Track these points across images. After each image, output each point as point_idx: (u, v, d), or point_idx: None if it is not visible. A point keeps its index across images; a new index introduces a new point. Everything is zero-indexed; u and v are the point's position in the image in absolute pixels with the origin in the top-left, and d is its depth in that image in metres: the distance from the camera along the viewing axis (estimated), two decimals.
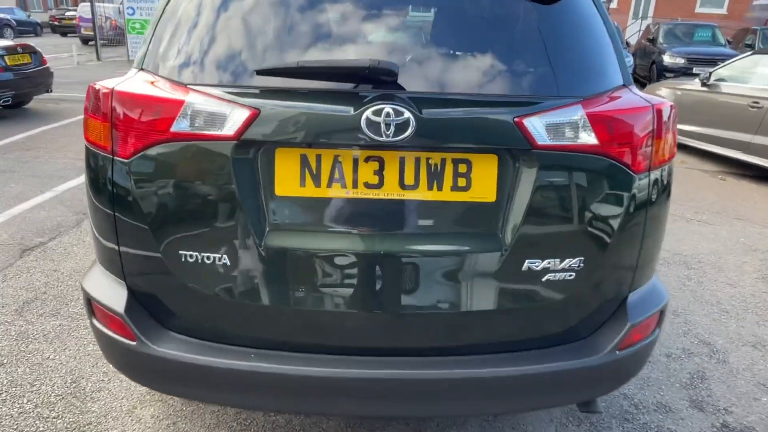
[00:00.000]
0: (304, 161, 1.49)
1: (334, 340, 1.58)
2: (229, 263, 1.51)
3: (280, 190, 1.51)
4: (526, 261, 1.53)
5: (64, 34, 26.08)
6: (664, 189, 1.63)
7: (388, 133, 1.40)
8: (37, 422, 2.17)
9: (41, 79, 8.77)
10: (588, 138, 1.48)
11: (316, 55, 1.52)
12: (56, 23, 27.53)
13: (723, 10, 21.07)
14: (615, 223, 1.55)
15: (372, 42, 1.56)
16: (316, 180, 1.50)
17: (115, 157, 1.53)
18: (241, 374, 1.51)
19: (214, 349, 1.56)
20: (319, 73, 1.47)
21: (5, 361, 2.56)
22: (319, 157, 1.48)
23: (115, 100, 1.52)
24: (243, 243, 1.50)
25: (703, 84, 7.16)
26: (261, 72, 1.46)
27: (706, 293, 3.52)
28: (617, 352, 1.60)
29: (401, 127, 1.40)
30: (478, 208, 1.52)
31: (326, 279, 1.53)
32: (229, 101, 1.45)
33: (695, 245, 4.31)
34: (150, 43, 1.63)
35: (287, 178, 1.50)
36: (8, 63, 8.09)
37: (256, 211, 1.50)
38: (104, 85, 1.57)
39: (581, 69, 1.59)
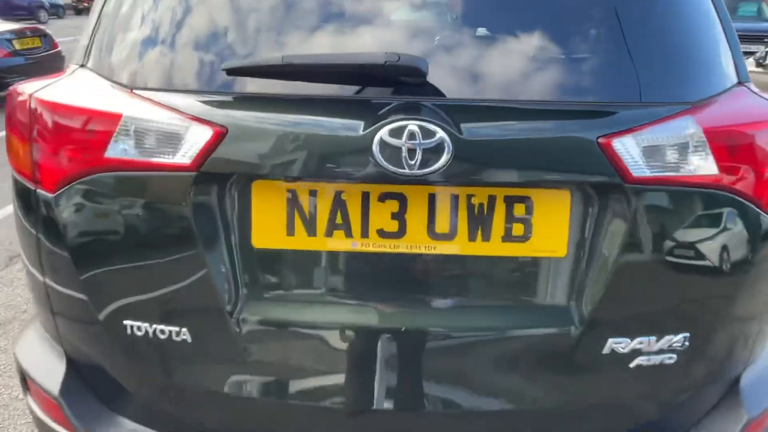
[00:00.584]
0: (292, 200, 1.05)
1: None
2: (190, 341, 1.10)
3: (258, 241, 1.08)
4: (609, 341, 1.08)
5: (40, 20, 25.59)
6: None
7: (413, 162, 0.96)
8: None
9: (52, 64, 8.41)
10: (704, 164, 1.03)
11: (309, 48, 1.08)
12: (79, 5, 27.36)
13: None
14: (736, 283, 1.10)
15: (388, 26, 1.12)
16: (310, 226, 1.06)
17: (37, 190, 1.13)
18: None
19: None
20: (313, 74, 1.03)
21: None
22: (313, 194, 1.05)
23: (33, 111, 1.11)
24: (209, 314, 1.09)
25: (759, 64, 6.51)
26: (232, 71, 1.03)
27: None
28: None
29: (432, 153, 0.96)
30: (542, 266, 1.08)
31: (323, 367, 1.11)
32: (185, 114, 1.02)
33: None
34: (93, 31, 1.21)
35: (269, 224, 1.07)
36: (17, 47, 7.80)
37: (226, 269, 1.08)
38: (25, 89, 1.16)
39: (686, 62, 1.12)
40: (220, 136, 1.00)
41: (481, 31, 1.11)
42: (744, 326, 1.17)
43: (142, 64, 1.12)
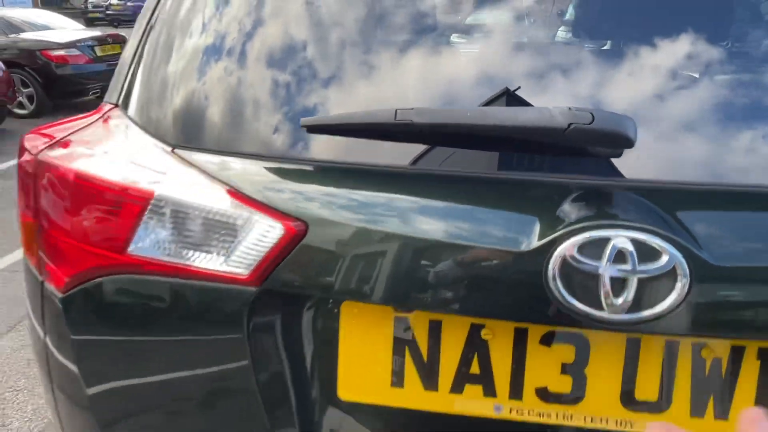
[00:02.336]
0: (401, 333, 0.69)
1: None
2: None
3: (347, 391, 0.72)
4: None
5: (117, 25, 26.40)
6: None
7: (620, 302, 0.56)
8: None
9: None
10: None
11: (436, 100, 0.71)
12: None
13: None
14: None
15: (569, 70, 0.73)
16: (429, 376, 0.70)
17: (45, 283, 0.82)
18: None
19: None
20: (444, 137, 0.65)
21: None
22: (436, 328, 0.68)
23: (40, 178, 0.80)
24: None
25: None
26: (313, 128, 0.67)
27: None
28: None
29: (655, 288, 0.57)
30: None
31: None
32: (245, 198, 0.68)
33: None
34: (132, 60, 0.89)
35: (365, 367, 0.71)
36: (99, 54, 7.96)
37: (297, 429, 0.73)
38: (35, 143, 0.85)
39: None
40: (296, 236, 0.64)
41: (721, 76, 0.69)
42: None
43: (189, 115, 0.78)
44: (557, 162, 0.65)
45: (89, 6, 24.69)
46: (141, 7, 0.99)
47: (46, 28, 8.18)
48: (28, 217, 0.83)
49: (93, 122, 0.89)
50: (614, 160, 0.62)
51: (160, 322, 0.75)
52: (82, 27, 9.41)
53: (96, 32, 8.80)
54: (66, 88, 7.69)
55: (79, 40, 7.81)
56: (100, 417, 0.83)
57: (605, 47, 0.80)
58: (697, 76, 0.68)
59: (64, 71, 7.53)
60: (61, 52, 7.55)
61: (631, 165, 0.62)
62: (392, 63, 0.74)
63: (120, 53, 8.33)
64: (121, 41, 8.52)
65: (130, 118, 0.85)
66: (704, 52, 0.73)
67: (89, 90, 7.87)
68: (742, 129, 0.65)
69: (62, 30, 8.36)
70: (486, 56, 0.75)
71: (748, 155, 0.64)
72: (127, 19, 25.64)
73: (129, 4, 24.89)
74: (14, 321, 2.84)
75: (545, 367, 0.68)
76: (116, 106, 0.90)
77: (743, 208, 0.63)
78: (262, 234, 0.66)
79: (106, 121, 0.88)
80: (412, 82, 0.72)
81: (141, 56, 0.88)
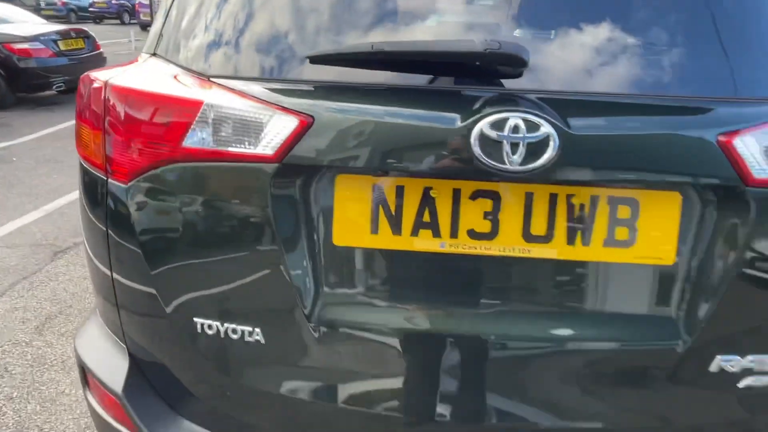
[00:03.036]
0: (377, 195, 0.99)
1: None
2: (263, 341, 1.04)
3: (340, 239, 1.02)
4: (717, 358, 0.99)
5: (98, 21, 26.26)
6: None
7: (515, 158, 0.88)
8: None
9: (95, 65, 8.61)
10: None
11: (400, 35, 1.02)
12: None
13: None
14: None
15: (484, 10, 1.05)
16: (396, 224, 0.99)
17: (109, 179, 1.09)
18: None
19: None
20: (405, 62, 0.96)
21: (15, 394, 2.20)
22: (400, 191, 0.98)
23: (108, 99, 1.07)
24: (285, 315, 1.03)
25: None
26: (316, 59, 0.97)
27: None
28: None
29: (536, 148, 0.89)
30: (646, 274, 0.99)
31: (404, 375, 1.04)
32: (269, 103, 0.97)
33: None
34: (166, 17, 1.17)
35: (352, 221, 1.00)
36: (62, 48, 7.98)
37: (305, 268, 1.02)
38: (98, 76, 1.12)
39: None
40: (307, 126, 0.94)
41: (587, 18, 1.03)
42: None
43: (220, 52, 1.07)
44: (479, 75, 0.97)
45: (42, 3, 24.13)
46: (123, 4, 1.26)
47: (6, 21, 8.13)
48: (97, 129, 1.09)
49: (139, 65, 1.17)
50: (513, 73, 0.94)
51: (205, 196, 1.01)
52: (44, 21, 9.34)
53: (59, 26, 8.78)
54: (29, 82, 7.69)
55: (42, 34, 7.80)
56: (161, 290, 1.06)
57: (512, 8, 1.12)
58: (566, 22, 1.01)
59: (27, 64, 7.52)
60: (24, 46, 7.55)
61: (524, 76, 0.94)
62: (365, 14, 1.04)
63: (83, 48, 8.30)
64: (84, 36, 8.55)
65: (170, 61, 1.12)
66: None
67: (53, 84, 7.87)
68: (597, 59, 0.99)
69: (24, 23, 8.32)
70: (431, 7, 1.06)
71: (595, 78, 0.97)
72: (111, 16, 25.45)
73: (113, 2, 24.72)
74: (4, 288, 3.02)
75: (472, 214, 0.98)
76: (153, 55, 1.18)
77: (593, 105, 0.95)
78: (282, 125, 0.94)
79: (150, 64, 1.16)
80: (382, 27, 1.03)
81: (172, 13, 1.16)
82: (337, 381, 1.06)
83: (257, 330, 1.04)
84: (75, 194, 4.45)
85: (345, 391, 1.06)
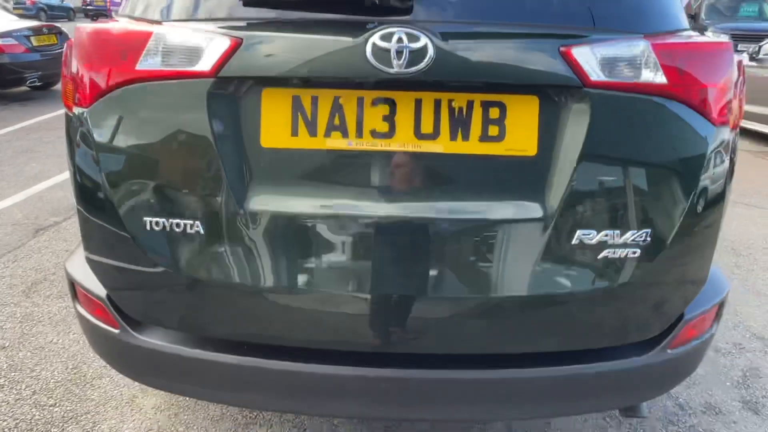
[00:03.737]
0: (296, 104, 1.24)
1: (326, 334, 1.33)
2: (202, 232, 1.27)
3: (267, 141, 1.25)
4: (578, 232, 1.23)
5: (95, 18, 26.36)
6: (734, 156, 1.34)
7: (401, 62, 1.14)
8: (33, 410, 2.05)
9: None
10: (654, 76, 1.20)
11: None
12: (87, 7, 27.90)
13: None
14: (691, 186, 1.24)
15: None
16: (312, 128, 1.24)
17: (75, 107, 1.32)
18: (231, 369, 1.33)
19: (203, 340, 1.38)
20: (317, 2, 1.22)
21: (7, 344, 2.45)
22: (315, 100, 1.23)
23: (77, 39, 1.32)
24: (219, 207, 1.25)
25: (752, 58, 6.69)
26: (248, 2, 1.22)
27: (758, 282, 3.22)
28: (668, 350, 1.37)
29: (417, 55, 1.14)
30: (515, 163, 1.24)
31: (320, 254, 1.27)
32: (206, 30, 1.23)
33: (744, 230, 3.99)
34: None
35: (276, 126, 1.24)
36: (35, 44, 8.08)
37: (237, 166, 1.25)
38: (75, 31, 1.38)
39: (642, 2, 1.30)
40: (236, 45, 1.19)
41: None
42: (701, 229, 1.30)
43: (167, 3, 1.33)
44: (373, 12, 1.18)
45: (11, 2, 23.87)
46: (118, 4, 1.49)
47: None
48: (67, 76, 1.33)
49: (108, 21, 1.41)
50: (401, 7, 1.17)
51: (155, 112, 1.21)
52: (17, 18, 9.39)
53: (32, 23, 8.86)
54: (2, 77, 7.77)
55: (14, 30, 7.89)
56: (116, 196, 1.25)
57: None
58: None
59: (0, 60, 7.62)
60: None
61: (409, 11, 1.19)
62: None
63: (55, 44, 8.38)
64: (57, 32, 8.65)
65: (132, 16, 1.37)
66: None
67: (26, 79, 7.97)
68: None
69: None
70: None
71: (473, 10, 1.24)
72: (106, 15, 25.61)
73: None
74: None
75: (374, 118, 1.20)
76: (122, 16, 1.42)
77: (463, 27, 1.20)
78: (217, 46, 1.19)
79: (116, 20, 1.40)
80: None
81: None
82: (267, 265, 1.28)
83: (196, 223, 1.26)
84: (53, 180, 4.65)
85: (272, 273, 1.29)
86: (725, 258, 3.51)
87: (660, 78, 1.20)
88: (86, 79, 1.29)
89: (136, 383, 2.18)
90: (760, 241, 3.81)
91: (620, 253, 1.25)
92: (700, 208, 1.27)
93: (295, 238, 1.28)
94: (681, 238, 1.27)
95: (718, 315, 1.49)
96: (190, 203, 1.27)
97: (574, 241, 1.24)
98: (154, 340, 1.37)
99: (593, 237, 1.24)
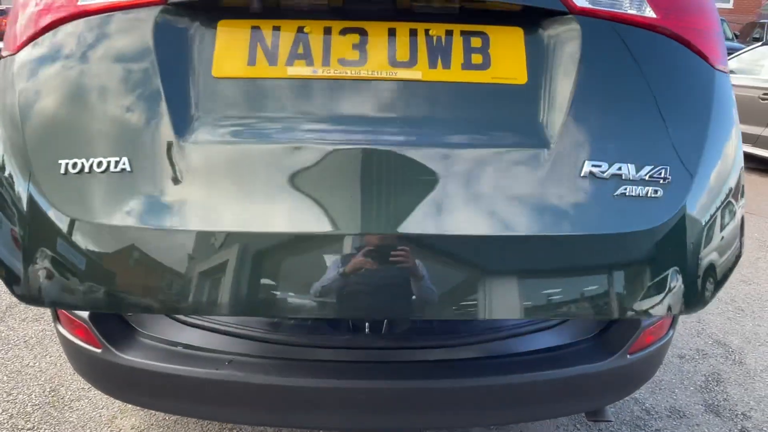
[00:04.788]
0: (256, 34, 1.16)
1: (298, 287, 1.08)
2: (129, 169, 1.07)
3: (219, 70, 1.15)
4: (586, 162, 1.10)
5: None
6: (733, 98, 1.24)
7: None
8: None
9: None
10: (642, 8, 1.17)
11: None
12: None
13: (729, 5, 20.78)
14: (702, 120, 1.15)
15: None
16: (272, 57, 1.14)
17: (8, 58, 1.21)
18: (214, 384, 1.37)
19: (187, 356, 1.42)
20: None
21: None
22: (277, 29, 1.16)
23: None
24: (153, 140, 1.08)
25: None
26: None
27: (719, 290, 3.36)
28: (628, 356, 1.45)
29: None
30: (505, 91, 1.17)
31: (277, 188, 1.08)
32: None
33: None
34: None
35: (231, 56, 1.15)
36: None
37: (180, 98, 1.12)
38: None
39: None
40: None
41: None
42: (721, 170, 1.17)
43: None
44: None
45: None
46: None
47: None
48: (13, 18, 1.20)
49: None
50: None
51: (99, 52, 1.12)
52: None
53: None
54: None
55: None
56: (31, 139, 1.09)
57: None
58: None
59: None
60: None
61: None
62: None
63: None
64: None
65: None
66: None
67: None
68: None
69: None
70: None
71: None
72: None
73: None
74: None
75: (342, 46, 1.13)
76: None
77: None
78: None
79: None
80: None
81: None
82: (216, 199, 1.08)
83: (122, 160, 1.08)
84: None
85: (219, 207, 1.08)
86: None
87: (648, 12, 1.18)
88: (28, 20, 1.19)
89: (116, 404, 2.19)
90: None
91: (641, 190, 1.10)
92: (718, 149, 1.16)
93: (249, 172, 1.09)
94: (705, 179, 1.13)
95: (674, 321, 1.58)
96: (121, 139, 1.09)
97: (583, 172, 1.09)
98: (136, 358, 1.41)
99: (605, 169, 1.09)
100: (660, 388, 2.39)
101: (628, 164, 1.10)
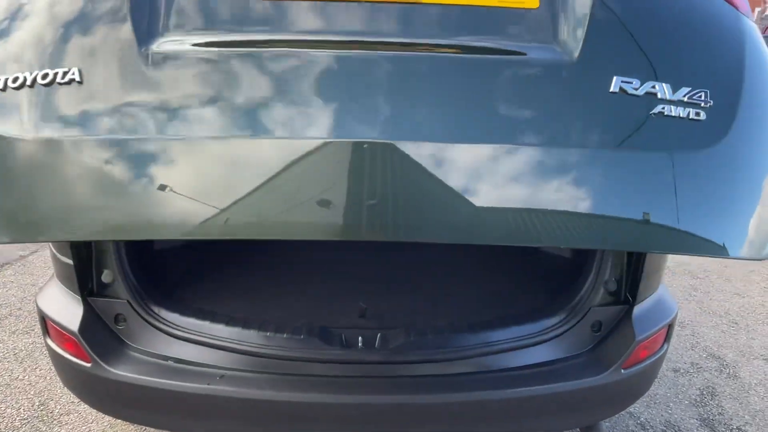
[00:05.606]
0: None
1: (286, 201, 0.96)
2: (79, 80, 0.96)
3: None
4: (615, 77, 1.02)
5: None
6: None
7: None
8: None
9: None
10: None
11: None
12: None
13: None
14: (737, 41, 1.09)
15: None
16: None
17: None
18: (204, 399, 1.35)
19: (178, 371, 1.40)
20: None
21: None
22: None
23: None
24: (118, 49, 0.98)
25: None
26: None
27: (713, 304, 3.37)
28: (622, 371, 1.45)
29: None
30: (517, 16, 1.11)
31: (250, 97, 1.00)
32: None
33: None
34: None
35: None
36: None
37: (146, 11, 1.03)
38: None
39: None
40: None
41: None
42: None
43: None
44: None
45: None
46: None
47: None
48: None
49: None
50: None
51: None
52: None
53: None
54: None
55: None
56: None
57: None
58: None
59: None
60: None
61: None
62: None
63: None
64: None
65: None
66: None
67: None
68: None
69: None
70: None
71: None
72: None
73: None
74: None
75: None
76: None
77: None
78: None
79: None
80: None
81: None
82: (181, 111, 0.99)
83: (74, 69, 0.98)
84: None
85: (185, 118, 1.00)
86: (683, 281, 3.66)
87: None
88: None
89: (105, 419, 2.16)
90: (715, 265, 3.99)
91: (680, 111, 1.02)
92: (760, 79, 1.10)
93: (212, 80, 1.00)
94: (749, 107, 1.06)
95: (668, 335, 1.58)
96: (73, 48, 1.01)
97: (612, 88, 1.02)
98: (126, 372, 1.39)
99: (638, 86, 1.02)
100: (655, 402, 2.38)
101: (663, 83, 1.02)
